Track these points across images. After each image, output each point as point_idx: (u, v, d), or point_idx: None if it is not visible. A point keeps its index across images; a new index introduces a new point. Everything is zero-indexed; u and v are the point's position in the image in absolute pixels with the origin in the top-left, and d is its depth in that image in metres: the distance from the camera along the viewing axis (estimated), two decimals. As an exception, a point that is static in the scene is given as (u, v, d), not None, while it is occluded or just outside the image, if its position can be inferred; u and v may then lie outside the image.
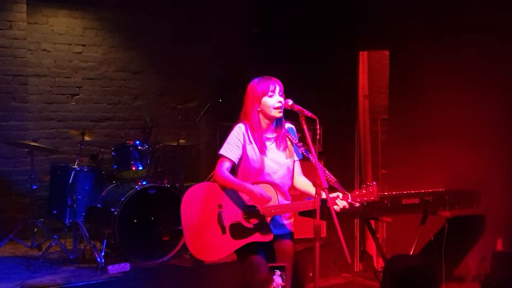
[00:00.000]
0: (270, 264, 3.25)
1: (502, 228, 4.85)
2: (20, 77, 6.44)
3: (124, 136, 7.18)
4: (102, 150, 6.01)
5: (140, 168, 5.72)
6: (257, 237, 3.47)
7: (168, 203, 5.45)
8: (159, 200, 5.49)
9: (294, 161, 3.65)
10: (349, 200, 3.39)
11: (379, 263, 5.78)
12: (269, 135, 3.59)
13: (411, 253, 4.51)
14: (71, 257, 5.32)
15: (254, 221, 3.48)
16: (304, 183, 3.64)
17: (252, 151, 3.53)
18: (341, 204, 3.37)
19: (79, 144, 5.79)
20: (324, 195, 3.15)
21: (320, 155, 4.25)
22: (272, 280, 3.13)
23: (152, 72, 7.49)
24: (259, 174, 3.51)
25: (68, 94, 6.95)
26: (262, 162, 3.51)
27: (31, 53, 6.65)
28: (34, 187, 5.72)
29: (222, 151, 3.54)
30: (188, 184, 5.30)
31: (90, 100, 7.10)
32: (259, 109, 3.53)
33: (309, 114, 3.36)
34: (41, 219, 5.82)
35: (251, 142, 3.54)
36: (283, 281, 3.16)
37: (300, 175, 3.67)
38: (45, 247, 5.41)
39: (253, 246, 3.48)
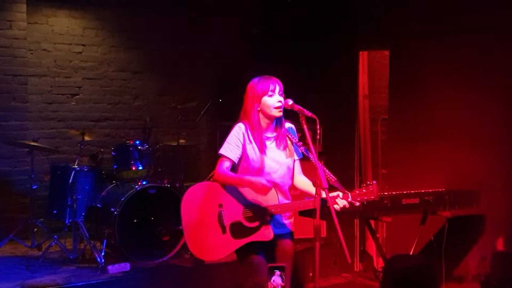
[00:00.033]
0: (270, 264, 3.25)
1: (502, 228, 4.85)
2: (20, 77, 6.44)
3: (124, 136, 7.18)
4: (102, 150, 6.02)
5: (140, 168, 5.72)
6: (257, 237, 3.46)
7: (168, 203, 5.46)
8: (159, 200, 5.49)
9: (294, 161, 3.64)
10: (349, 199, 3.39)
11: (379, 263, 5.77)
12: (269, 135, 3.59)
13: (411, 253, 4.52)
14: (71, 257, 5.32)
15: (255, 220, 3.48)
16: (304, 183, 3.63)
17: (252, 150, 3.53)
18: (341, 203, 3.37)
19: (79, 144, 5.79)
20: (324, 195, 3.15)
21: (320, 155, 4.24)
22: (269, 281, 3.14)
23: (152, 72, 7.49)
24: (259, 174, 3.50)
25: (68, 94, 6.96)
26: (262, 161, 3.51)
27: (31, 53, 6.65)
28: (34, 187, 5.72)
29: (222, 150, 3.54)
30: (188, 184, 5.29)
31: (90, 100, 7.10)
32: (259, 108, 3.53)
33: (309, 114, 3.36)
34: (41, 219, 5.83)
35: (251, 142, 3.54)
36: (283, 281, 3.16)
37: (300, 174, 3.67)
38: (45, 247, 5.41)
39: (253, 246, 3.47)
